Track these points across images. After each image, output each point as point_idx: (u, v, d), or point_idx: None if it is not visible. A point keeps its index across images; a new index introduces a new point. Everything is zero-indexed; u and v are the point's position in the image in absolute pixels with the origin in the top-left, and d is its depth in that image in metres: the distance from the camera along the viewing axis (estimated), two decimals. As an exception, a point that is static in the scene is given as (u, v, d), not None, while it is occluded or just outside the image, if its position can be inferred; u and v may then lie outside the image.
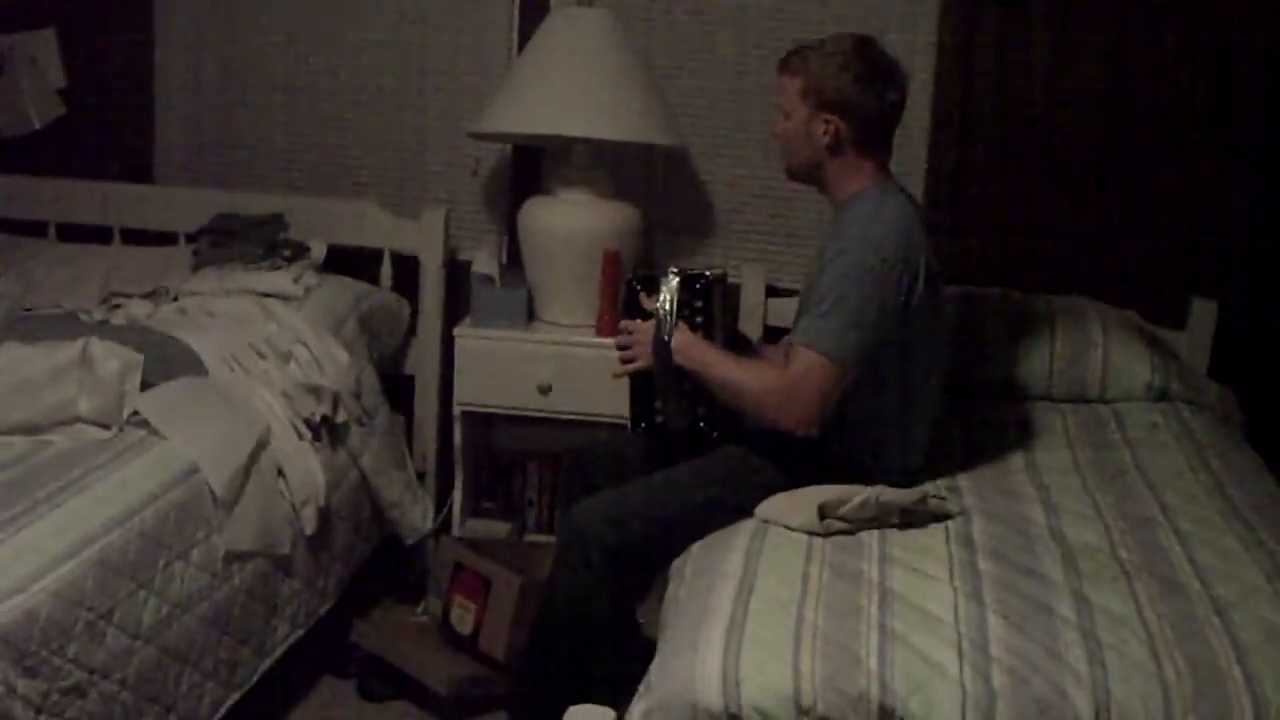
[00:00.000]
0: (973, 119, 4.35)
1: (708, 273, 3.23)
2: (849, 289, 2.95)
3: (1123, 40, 4.26)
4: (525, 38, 4.32)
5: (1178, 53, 4.23)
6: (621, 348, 3.26)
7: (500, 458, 4.63)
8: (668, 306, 3.13)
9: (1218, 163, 4.27)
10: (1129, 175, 4.31)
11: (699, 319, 3.19)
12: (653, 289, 3.22)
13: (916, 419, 3.19)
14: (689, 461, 3.16)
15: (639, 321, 3.24)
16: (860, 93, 3.09)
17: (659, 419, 3.27)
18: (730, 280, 3.42)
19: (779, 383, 3.00)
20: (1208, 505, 3.11)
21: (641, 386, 3.28)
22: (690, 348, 3.11)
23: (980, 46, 4.32)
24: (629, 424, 3.34)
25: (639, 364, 3.21)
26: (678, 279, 3.16)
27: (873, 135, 3.15)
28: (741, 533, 2.85)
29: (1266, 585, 2.65)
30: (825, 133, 3.12)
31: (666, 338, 3.11)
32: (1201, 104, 4.25)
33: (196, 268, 4.18)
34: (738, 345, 3.34)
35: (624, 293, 3.34)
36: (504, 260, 4.49)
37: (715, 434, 3.21)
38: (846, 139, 3.12)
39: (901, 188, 3.21)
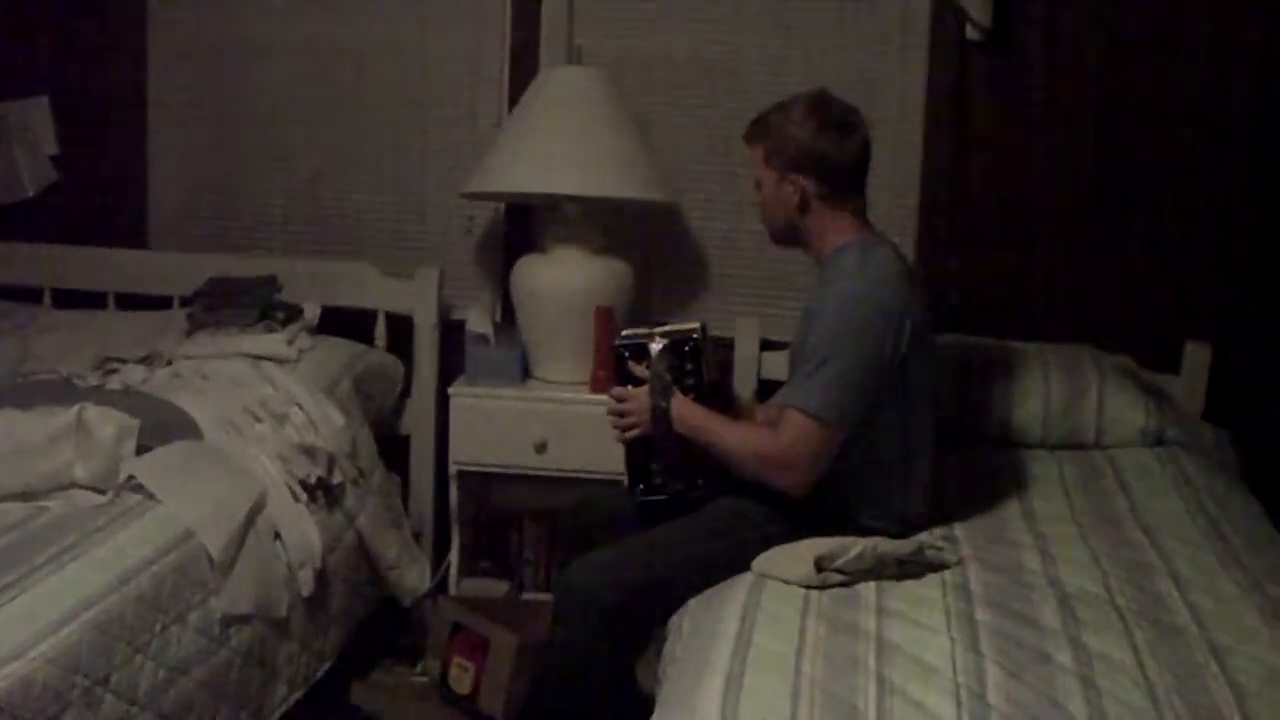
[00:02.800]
0: (964, 166, 4.39)
1: (693, 334, 3.24)
2: (836, 348, 2.96)
3: (1112, 86, 4.30)
4: (515, 97, 4.35)
5: (1167, 99, 4.27)
6: (618, 414, 3.27)
7: (497, 516, 4.62)
8: (662, 374, 3.15)
9: (1208, 207, 4.29)
10: (1121, 221, 4.33)
11: (689, 380, 3.21)
12: (639, 354, 3.24)
13: (911, 470, 3.18)
14: (684, 517, 3.16)
15: (630, 389, 3.25)
16: (820, 145, 3.10)
17: (657, 481, 3.27)
18: (719, 333, 3.42)
19: (771, 447, 3.01)
20: (1205, 550, 3.10)
21: (638, 450, 3.28)
22: (688, 415, 3.13)
23: (970, 94, 4.35)
24: (627, 488, 3.34)
25: (636, 431, 3.23)
26: (666, 343, 3.19)
27: (841, 186, 3.15)
28: (738, 587, 2.85)
29: (1264, 629, 2.64)
30: (794, 192, 3.13)
31: (664, 404, 3.13)
32: (1192, 149, 4.28)
33: (191, 332, 4.19)
34: (724, 397, 3.36)
35: (613, 359, 3.35)
36: (498, 319, 4.51)
37: (711, 493, 3.21)
38: (815, 195, 3.13)
39: (886, 239, 3.21)
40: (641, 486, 3.31)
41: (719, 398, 3.31)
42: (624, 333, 3.35)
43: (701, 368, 3.22)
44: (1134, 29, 4.27)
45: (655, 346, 3.19)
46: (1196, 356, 4.24)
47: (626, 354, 3.30)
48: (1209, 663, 2.48)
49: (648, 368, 3.20)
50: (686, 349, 3.21)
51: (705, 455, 3.14)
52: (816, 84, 3.26)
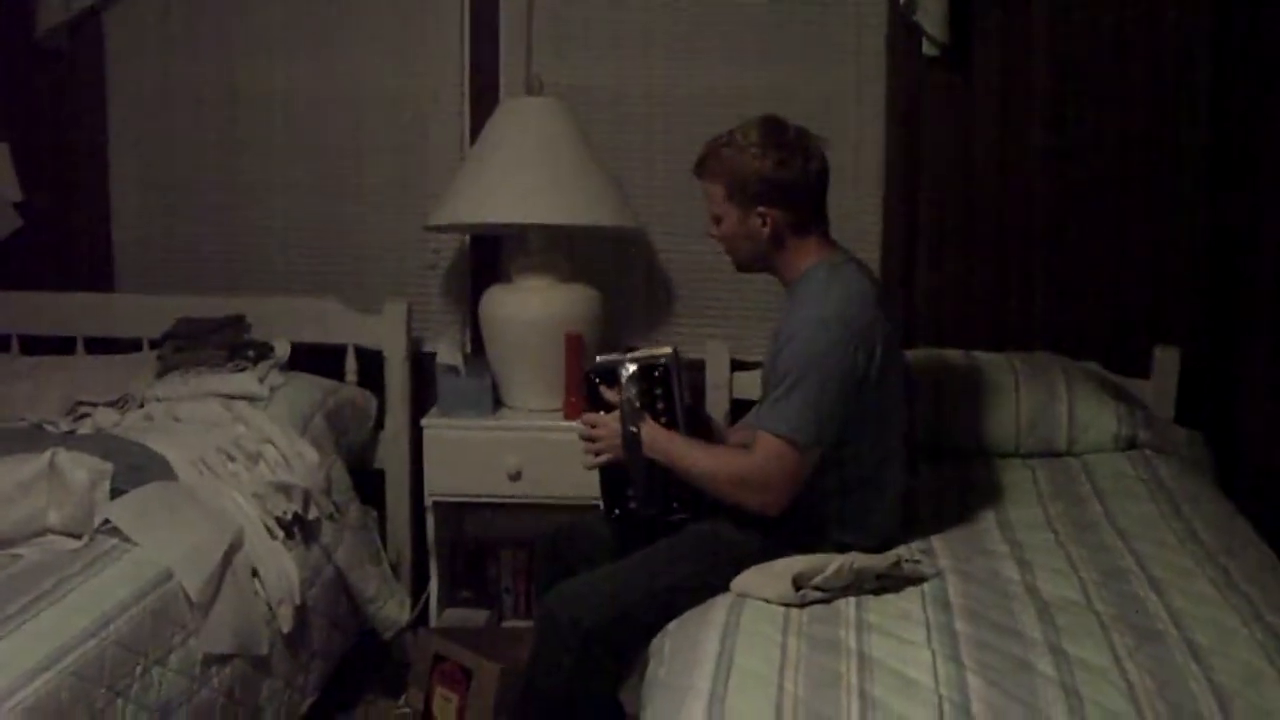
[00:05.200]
0: (925, 182, 4.42)
1: (662, 358, 3.23)
2: (806, 369, 2.96)
3: (1071, 96, 4.34)
4: (477, 129, 4.36)
5: (1128, 106, 4.31)
6: (589, 439, 3.28)
7: (474, 546, 4.63)
8: (632, 399, 3.16)
9: (1172, 212, 4.33)
10: (1085, 229, 4.36)
11: (660, 405, 3.21)
12: (611, 380, 3.24)
13: (885, 485, 3.19)
14: (662, 541, 3.16)
15: (602, 414, 3.26)
16: (784, 175, 3.09)
17: (633, 505, 3.27)
18: (688, 355, 3.42)
19: (745, 470, 3.02)
20: (1181, 552, 3.11)
21: (613, 475, 3.29)
22: (658, 439, 3.13)
23: (928, 111, 4.38)
24: (603, 512, 3.35)
25: (607, 456, 3.23)
26: (636, 369, 3.19)
27: (808, 211, 3.15)
28: (718, 608, 2.85)
29: (1243, 628, 2.65)
30: (764, 225, 3.13)
31: (634, 429, 3.13)
32: (1154, 155, 4.32)
33: (161, 373, 4.18)
34: (697, 420, 3.36)
35: (585, 386, 3.35)
36: (468, 349, 4.51)
37: (688, 517, 3.22)
38: (785, 224, 3.13)
39: (852, 256, 3.21)
40: (617, 511, 3.31)
41: (695, 422, 3.31)
42: (597, 359, 3.36)
43: (673, 392, 3.22)
44: (1091, 40, 4.31)
45: (625, 372, 3.20)
46: (1165, 360, 4.26)
47: (598, 380, 3.30)
48: (1189, 664, 2.49)
49: (619, 393, 3.21)
50: (657, 374, 3.21)
51: (680, 480, 3.14)
52: (774, 108, 3.25)
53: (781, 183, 3.09)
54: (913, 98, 4.38)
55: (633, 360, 3.22)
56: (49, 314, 4.58)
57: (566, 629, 2.95)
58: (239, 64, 4.63)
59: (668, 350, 3.27)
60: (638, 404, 3.17)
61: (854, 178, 4.36)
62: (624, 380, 3.18)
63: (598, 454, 3.26)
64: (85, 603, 2.81)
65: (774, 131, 3.13)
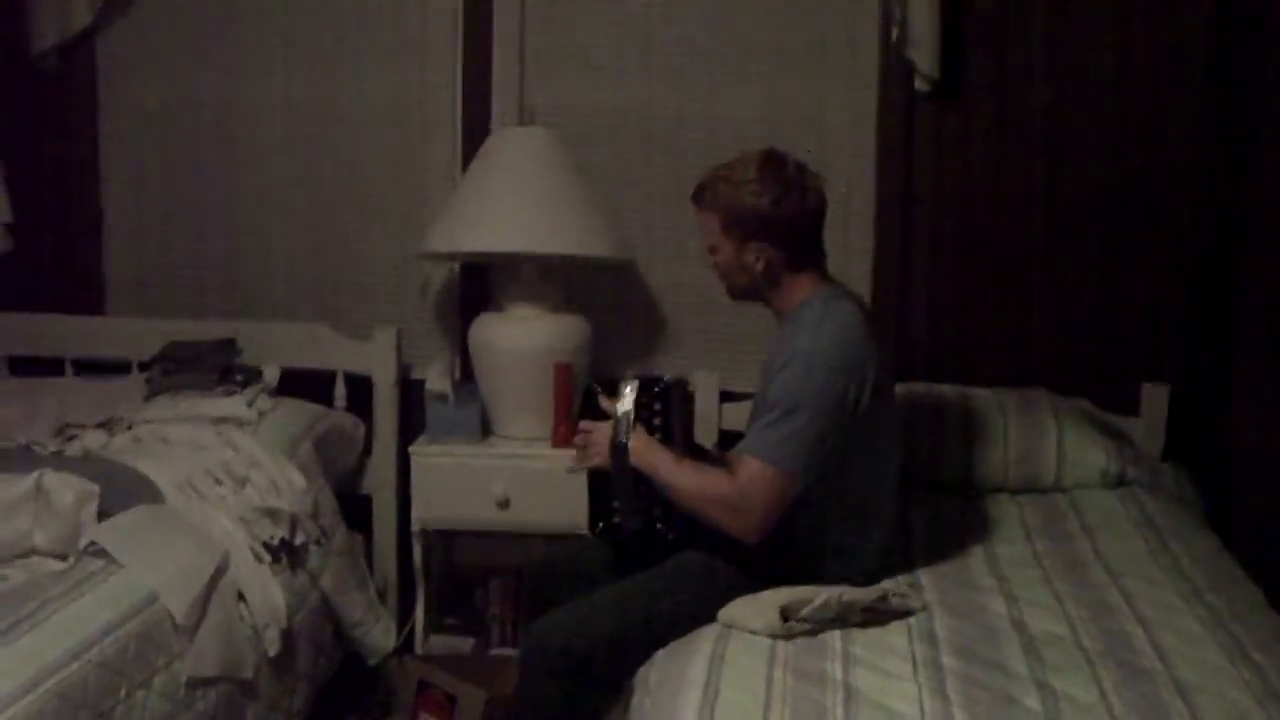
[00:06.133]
0: (918, 216, 4.42)
1: (666, 378, 3.25)
2: (798, 401, 2.95)
3: (1061, 132, 4.36)
4: (469, 157, 4.37)
5: (1117, 145, 4.34)
6: (579, 446, 3.28)
7: (461, 573, 4.62)
8: (627, 408, 3.15)
9: (1161, 249, 4.35)
10: (1074, 266, 4.38)
11: (656, 422, 3.21)
12: (613, 392, 3.23)
13: (874, 519, 3.19)
14: (649, 570, 3.15)
15: (597, 422, 3.25)
16: (780, 212, 3.09)
17: (616, 519, 3.27)
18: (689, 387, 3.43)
19: (727, 491, 2.99)
20: (1168, 589, 3.12)
21: (600, 488, 3.30)
22: (645, 451, 3.10)
23: (919, 147, 4.39)
24: (588, 525, 3.35)
25: (593, 463, 3.23)
26: (637, 383, 3.18)
27: (803, 247, 3.16)
28: (704, 639, 2.85)
29: (1229, 666, 2.66)
30: (758, 261, 3.13)
31: (624, 439, 3.12)
32: (1143, 192, 4.34)
33: (150, 396, 4.18)
34: (695, 453, 3.33)
35: (583, 395, 3.36)
36: (457, 377, 4.51)
37: (672, 536, 3.22)
38: (780, 261, 3.14)
39: (847, 290, 3.22)
40: (601, 525, 3.33)
41: (694, 454, 3.29)
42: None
43: (671, 412, 3.22)
44: (1082, 76, 4.33)
45: (626, 384, 3.20)
46: (1154, 397, 4.27)
47: (599, 390, 3.31)
48: (1175, 701, 2.49)
49: (616, 405, 3.20)
50: (656, 390, 3.21)
51: (666, 498, 3.14)
52: (767, 139, 3.26)
53: (777, 220, 3.10)
54: (905, 131, 4.39)
55: (635, 376, 3.22)
56: (38, 336, 4.58)
57: (552, 658, 2.95)
58: (230, 88, 4.64)
59: (678, 378, 3.29)
60: (632, 416, 3.16)
61: (846, 211, 4.36)
62: (623, 392, 3.18)
63: (585, 460, 3.26)
64: (69, 625, 2.80)
65: (773, 167, 3.13)
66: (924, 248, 4.44)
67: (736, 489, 2.98)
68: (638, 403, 3.17)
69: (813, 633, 2.82)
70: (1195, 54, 4.28)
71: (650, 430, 3.18)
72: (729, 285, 3.27)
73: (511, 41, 4.49)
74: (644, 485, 3.15)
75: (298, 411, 4.25)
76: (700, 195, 3.21)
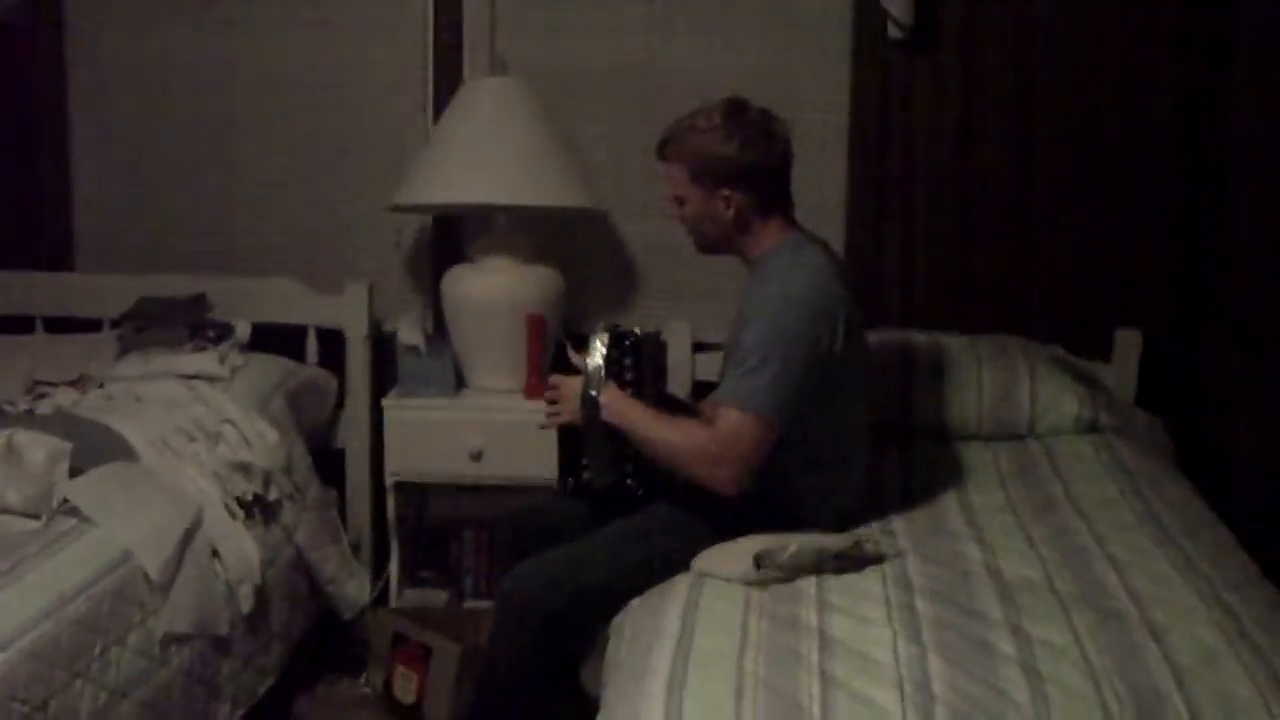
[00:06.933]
0: (889, 163, 4.41)
1: (637, 330, 3.23)
2: (771, 346, 2.95)
3: (1035, 78, 4.35)
4: (440, 109, 4.35)
5: (1091, 87, 4.32)
6: (550, 402, 3.27)
7: (435, 526, 4.62)
8: (598, 362, 3.13)
9: (1134, 195, 4.34)
10: (1047, 212, 4.38)
11: (629, 376, 3.18)
12: (584, 346, 3.22)
13: (847, 465, 3.20)
14: (622, 520, 3.15)
15: (567, 377, 3.24)
16: (748, 158, 3.08)
17: (586, 475, 3.26)
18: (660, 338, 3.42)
19: (707, 442, 2.98)
20: (1140, 532, 3.13)
21: (570, 443, 3.28)
22: (618, 404, 3.10)
23: (893, 94, 4.38)
24: (557, 482, 3.34)
25: (564, 418, 3.22)
26: (607, 336, 3.16)
27: (771, 192, 3.15)
28: (679, 587, 2.85)
29: (1201, 606, 2.67)
30: (728, 208, 3.12)
31: (594, 393, 3.10)
32: (1116, 138, 4.33)
33: (121, 353, 4.16)
34: (667, 404, 3.33)
35: (554, 349, 3.35)
36: (429, 330, 4.49)
37: (642, 492, 3.21)
38: (750, 206, 3.13)
39: (815, 237, 3.21)
40: (571, 481, 3.31)
41: (667, 406, 3.28)
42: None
43: (643, 365, 3.20)
44: (1055, 22, 4.31)
45: (596, 338, 3.18)
46: (1127, 343, 4.28)
47: (569, 344, 3.30)
48: (1148, 643, 2.50)
49: (586, 358, 3.19)
50: (628, 343, 3.19)
51: (638, 452, 3.13)
52: (738, 88, 3.24)
53: (745, 165, 3.09)
54: (879, 79, 4.38)
55: (605, 329, 3.21)
56: (8, 293, 4.56)
57: (527, 609, 2.95)
58: (199, 42, 4.61)
59: (650, 329, 3.27)
60: (603, 370, 3.15)
61: (819, 160, 4.35)
62: (593, 345, 3.16)
63: (555, 416, 3.25)
64: (43, 583, 2.80)
65: (737, 113, 3.12)
66: (897, 194, 4.42)
67: (716, 439, 2.96)
68: (608, 357, 3.15)
69: (787, 580, 2.82)
70: (1167, 2, 4.27)
71: (622, 384, 3.16)
72: (697, 237, 3.26)
73: (482, -10, 4.48)
74: (615, 441, 3.14)
75: (270, 367, 4.24)
76: (665, 147, 3.20)
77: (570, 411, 3.19)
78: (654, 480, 3.18)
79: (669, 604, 2.77)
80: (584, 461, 3.26)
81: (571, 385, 3.19)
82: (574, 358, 3.25)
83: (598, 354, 3.14)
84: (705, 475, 2.98)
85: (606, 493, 3.25)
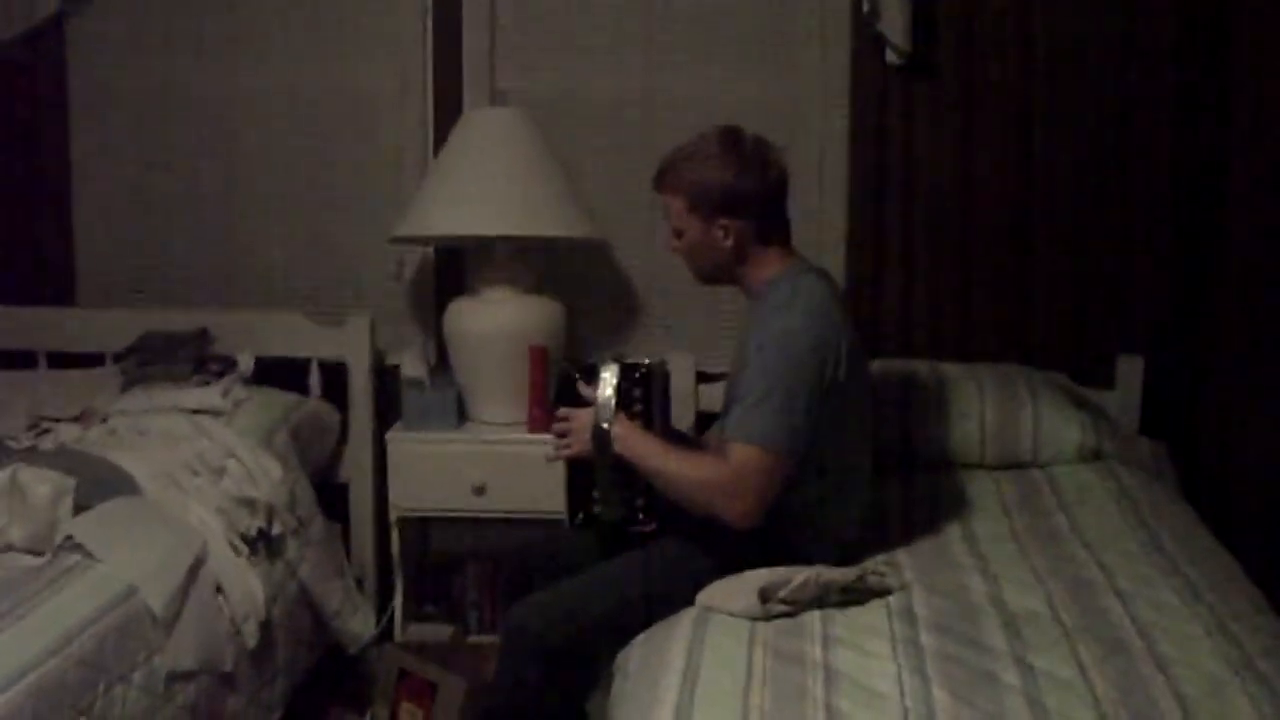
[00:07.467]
0: (891, 191, 4.41)
1: (646, 361, 3.22)
2: (776, 380, 2.94)
3: (1034, 104, 4.35)
4: (441, 140, 4.36)
5: (1091, 114, 4.32)
6: (559, 435, 3.25)
7: (439, 560, 4.61)
8: (609, 394, 3.13)
9: (1135, 221, 4.34)
10: (1048, 239, 4.37)
11: (637, 407, 3.17)
12: (591, 377, 3.20)
13: (849, 497, 3.19)
14: (627, 554, 3.14)
15: (576, 409, 3.23)
16: (745, 186, 3.09)
17: (596, 509, 3.24)
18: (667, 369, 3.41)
19: (720, 476, 2.96)
20: (1145, 562, 3.12)
21: (579, 476, 3.27)
22: (630, 437, 3.08)
23: (893, 120, 4.38)
24: (566, 516, 3.33)
25: (574, 451, 3.20)
26: (617, 367, 3.15)
27: (769, 220, 3.16)
28: (684, 622, 2.84)
29: (1206, 638, 2.67)
30: (726, 237, 3.12)
31: (606, 425, 3.09)
32: (1117, 164, 4.33)
33: (125, 388, 4.17)
34: (674, 438, 3.32)
35: (560, 381, 3.33)
36: (432, 362, 4.49)
37: (653, 525, 3.19)
38: (748, 235, 3.13)
39: (813, 266, 3.22)
40: (580, 515, 3.30)
41: (674, 439, 3.27)
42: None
43: (652, 397, 3.18)
44: (1053, 46, 4.31)
45: (605, 369, 3.17)
46: (1129, 370, 4.28)
47: (578, 376, 3.29)
48: (1154, 675, 2.50)
49: (596, 391, 3.17)
50: (638, 375, 3.16)
51: (647, 487, 3.12)
52: (738, 119, 3.24)
53: (742, 193, 3.09)
54: (878, 106, 4.38)
55: (615, 359, 3.20)
56: (11, 328, 4.54)
57: (532, 643, 2.94)
58: (200, 75, 4.61)
59: (658, 360, 3.26)
60: (613, 402, 3.15)
61: (820, 188, 4.37)
62: (603, 377, 3.16)
63: (565, 449, 3.23)
64: (47, 620, 2.79)
65: (733, 142, 3.13)
66: (898, 221, 4.42)
67: (730, 474, 2.95)
68: (617, 388, 3.15)
69: (792, 614, 2.82)
70: (1164, 22, 4.27)
71: (630, 415, 3.14)
72: (696, 268, 3.26)
73: (482, 23, 4.48)
74: (626, 473, 3.13)
75: (273, 401, 4.24)
76: (662, 178, 3.21)
77: (580, 444, 3.16)
78: (664, 513, 3.16)
79: (674, 639, 2.76)
80: (594, 494, 3.24)
81: (581, 417, 3.18)
82: (583, 389, 3.23)
83: (609, 386, 3.12)
84: (719, 508, 2.96)
85: (616, 526, 3.23)
